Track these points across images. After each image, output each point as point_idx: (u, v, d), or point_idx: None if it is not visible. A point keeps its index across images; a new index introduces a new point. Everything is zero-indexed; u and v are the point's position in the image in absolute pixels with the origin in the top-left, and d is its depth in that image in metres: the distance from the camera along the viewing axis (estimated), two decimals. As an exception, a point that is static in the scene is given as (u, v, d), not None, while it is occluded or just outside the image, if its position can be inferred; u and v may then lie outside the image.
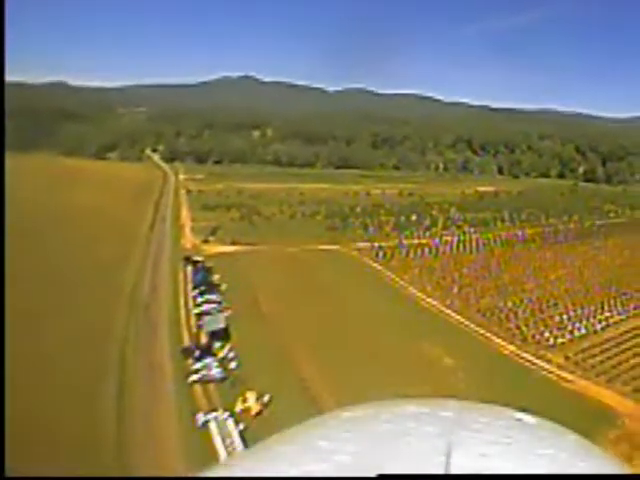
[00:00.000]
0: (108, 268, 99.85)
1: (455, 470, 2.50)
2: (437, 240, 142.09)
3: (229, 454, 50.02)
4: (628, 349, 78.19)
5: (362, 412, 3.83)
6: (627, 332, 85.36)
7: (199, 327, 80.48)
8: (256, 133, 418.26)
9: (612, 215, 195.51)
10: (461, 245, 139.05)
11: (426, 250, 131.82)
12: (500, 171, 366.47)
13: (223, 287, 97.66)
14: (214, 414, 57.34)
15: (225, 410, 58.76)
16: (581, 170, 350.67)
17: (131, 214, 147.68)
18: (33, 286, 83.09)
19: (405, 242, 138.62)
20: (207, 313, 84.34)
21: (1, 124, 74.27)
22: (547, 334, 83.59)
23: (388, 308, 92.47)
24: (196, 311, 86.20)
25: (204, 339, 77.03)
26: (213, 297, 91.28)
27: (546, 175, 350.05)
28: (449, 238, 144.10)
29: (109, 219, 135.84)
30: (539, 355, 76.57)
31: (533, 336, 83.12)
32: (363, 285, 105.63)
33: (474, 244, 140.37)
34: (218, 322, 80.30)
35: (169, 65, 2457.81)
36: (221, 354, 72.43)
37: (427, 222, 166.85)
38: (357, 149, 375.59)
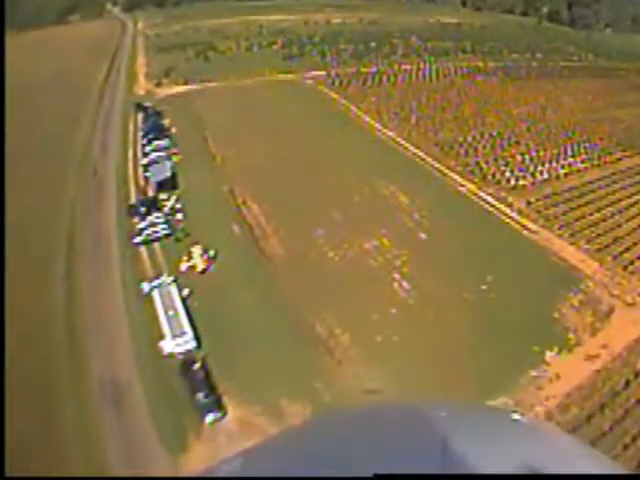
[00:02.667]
0: (59, 134, 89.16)
1: (450, 470, 2.57)
2: (396, 68, 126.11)
3: (171, 327, 44.42)
4: (591, 202, 69.11)
5: (359, 413, 3.95)
6: (590, 182, 75.37)
7: (146, 179, 71.81)
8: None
9: (575, 59, 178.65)
10: (420, 74, 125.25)
11: (384, 79, 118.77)
12: (464, 4, 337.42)
13: (173, 131, 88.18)
14: (159, 281, 50.86)
15: (171, 270, 53.29)
16: (545, 10, 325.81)
17: (85, 73, 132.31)
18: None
19: (363, 70, 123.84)
20: (154, 162, 74.88)
21: (1, 120, 69.07)
22: (508, 174, 74.64)
23: (342, 140, 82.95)
24: (144, 161, 76.63)
25: (151, 192, 68.90)
26: (162, 144, 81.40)
27: (510, 12, 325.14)
28: (408, 67, 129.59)
29: (64, 82, 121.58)
30: (499, 197, 67.96)
31: (493, 175, 74.07)
32: (317, 116, 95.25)
33: (434, 74, 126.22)
34: (164, 171, 71.22)
35: None
36: (167, 206, 64.87)
37: (386, 50, 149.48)
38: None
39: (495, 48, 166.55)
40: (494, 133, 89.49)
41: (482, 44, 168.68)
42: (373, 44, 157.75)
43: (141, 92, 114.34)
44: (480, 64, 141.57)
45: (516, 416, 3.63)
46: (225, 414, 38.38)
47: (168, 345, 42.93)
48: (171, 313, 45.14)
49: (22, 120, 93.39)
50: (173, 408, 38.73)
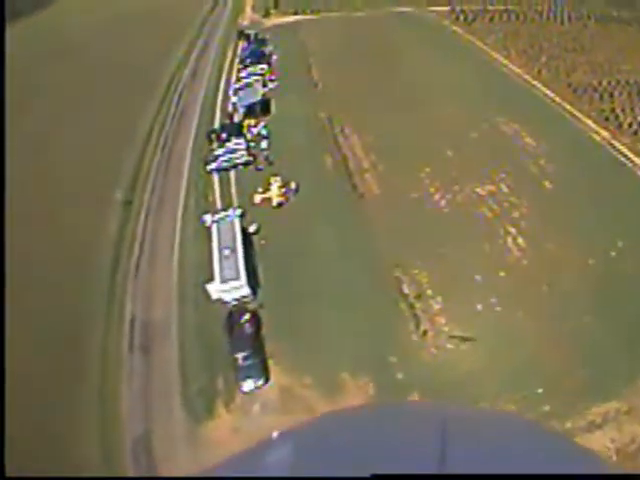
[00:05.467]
0: (150, 62, 78.14)
1: (449, 470, 2.39)
2: (525, 8, 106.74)
3: (222, 268, 33.58)
4: None
5: (359, 413, 3.77)
6: None
7: (234, 104, 60.75)
8: None
9: None
10: (551, 16, 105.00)
11: (512, 16, 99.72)
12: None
13: (274, 58, 75.23)
14: (223, 213, 40.92)
15: (242, 203, 42.95)
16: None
17: (189, 6, 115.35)
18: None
19: (490, 7, 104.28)
20: (246, 87, 63.48)
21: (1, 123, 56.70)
22: (647, 123, 58.24)
23: (462, 73, 66.65)
24: (236, 86, 65.40)
25: (237, 117, 57.84)
26: (259, 70, 69.13)
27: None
28: (539, 7, 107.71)
29: (164, 15, 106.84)
30: (637, 150, 50.79)
31: (630, 124, 56.98)
32: (437, 49, 78.23)
33: (566, 16, 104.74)
34: (253, 95, 59.71)
35: None
36: (252, 131, 54.01)
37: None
38: None
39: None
40: (631, 81, 70.73)
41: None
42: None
43: (246, 22, 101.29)
44: (615, 13, 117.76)
45: (513, 417, 3.95)
46: (267, 381, 28.81)
47: (215, 289, 32.76)
48: (227, 252, 34.32)
49: (115, 51, 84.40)
50: (208, 365, 30.19)
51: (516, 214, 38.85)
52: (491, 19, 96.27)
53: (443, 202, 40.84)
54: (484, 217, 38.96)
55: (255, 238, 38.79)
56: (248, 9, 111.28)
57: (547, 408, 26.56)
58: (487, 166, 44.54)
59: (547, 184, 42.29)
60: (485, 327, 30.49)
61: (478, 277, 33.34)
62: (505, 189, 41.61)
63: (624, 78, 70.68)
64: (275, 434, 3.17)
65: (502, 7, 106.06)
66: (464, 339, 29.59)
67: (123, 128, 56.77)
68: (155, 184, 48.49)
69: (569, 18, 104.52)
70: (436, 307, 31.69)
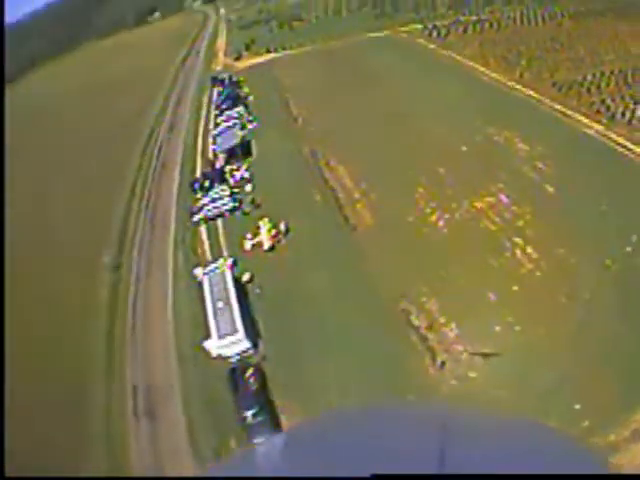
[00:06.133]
0: (129, 118, 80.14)
1: (448, 470, 2.38)
2: (498, 16, 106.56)
3: (218, 323, 31.90)
4: None
5: (358, 413, 3.60)
6: None
7: (214, 151, 60.41)
8: None
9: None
10: (525, 19, 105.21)
11: (486, 26, 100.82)
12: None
13: (251, 99, 75.08)
14: (215, 264, 39.23)
15: (232, 251, 41.61)
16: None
17: (162, 61, 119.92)
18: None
19: (462, 19, 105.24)
20: (224, 132, 63.04)
21: (1, 128, 64.77)
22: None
23: (443, 88, 65.28)
24: (214, 132, 65.30)
25: (219, 163, 57.06)
26: (235, 113, 68.77)
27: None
28: (512, 14, 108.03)
29: (139, 74, 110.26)
30: (635, 139, 48.58)
31: (623, 114, 55.13)
32: (413, 66, 77.81)
33: (540, 18, 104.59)
34: (231, 139, 59.03)
35: None
36: (235, 177, 53.06)
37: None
38: None
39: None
40: (615, 71, 69.60)
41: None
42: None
43: (219, 68, 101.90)
44: (588, 6, 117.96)
45: (512, 417, 3.50)
46: (279, 438, 25.70)
47: (213, 346, 31.06)
48: (220, 305, 32.56)
49: (92, 113, 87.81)
50: (216, 426, 28.36)
51: (520, 223, 36.85)
52: (464, 31, 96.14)
53: (441, 222, 38.91)
54: (487, 231, 36.90)
55: (250, 287, 36.87)
56: (220, 54, 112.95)
57: (587, 423, 24.22)
58: (483, 178, 42.78)
59: (548, 187, 40.47)
60: (506, 348, 28.06)
61: (491, 295, 31.20)
62: (505, 199, 39.70)
63: (608, 69, 69.71)
64: (275, 435, 3.28)
65: (474, 17, 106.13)
66: (486, 355, 27.50)
67: (106, 190, 56.61)
68: (142, 243, 47.68)
69: (543, 19, 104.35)
70: (451, 335, 29.51)
